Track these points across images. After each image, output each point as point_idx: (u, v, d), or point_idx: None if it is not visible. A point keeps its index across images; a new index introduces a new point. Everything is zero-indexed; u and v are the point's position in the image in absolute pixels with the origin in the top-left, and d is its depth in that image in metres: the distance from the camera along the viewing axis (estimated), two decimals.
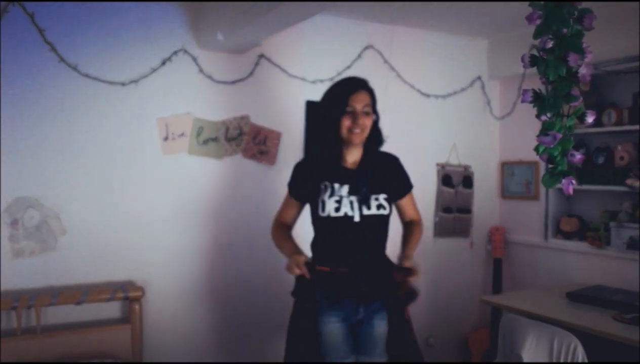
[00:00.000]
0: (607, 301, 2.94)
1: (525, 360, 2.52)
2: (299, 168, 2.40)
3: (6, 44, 2.66)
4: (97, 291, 2.76)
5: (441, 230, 3.91)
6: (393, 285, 2.26)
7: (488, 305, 3.56)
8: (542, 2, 1.33)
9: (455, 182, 3.95)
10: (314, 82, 3.37)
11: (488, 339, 3.86)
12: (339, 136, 2.23)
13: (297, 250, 2.31)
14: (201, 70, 3.07)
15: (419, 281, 2.26)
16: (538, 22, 1.34)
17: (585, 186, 3.50)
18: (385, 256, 2.38)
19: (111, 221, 2.89)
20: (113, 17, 2.87)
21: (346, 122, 2.20)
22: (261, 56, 3.22)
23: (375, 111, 2.32)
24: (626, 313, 2.74)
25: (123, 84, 2.89)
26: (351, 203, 2.23)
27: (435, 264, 3.91)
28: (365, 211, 2.23)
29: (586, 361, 2.34)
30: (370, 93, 2.29)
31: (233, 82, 3.16)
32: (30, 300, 2.61)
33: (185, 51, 3.02)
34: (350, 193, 2.24)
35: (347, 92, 2.23)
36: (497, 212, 4.20)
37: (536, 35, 1.35)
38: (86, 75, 2.80)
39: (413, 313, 3.83)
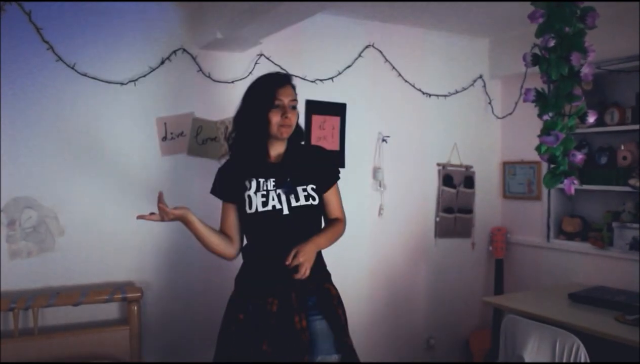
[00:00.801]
0: (610, 302, 2.92)
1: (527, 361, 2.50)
2: (222, 171, 2.32)
3: (6, 44, 2.64)
4: (96, 292, 2.74)
5: (442, 231, 3.89)
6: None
7: (490, 306, 3.55)
8: (544, 2, 1.32)
9: (456, 182, 3.93)
10: (314, 81, 3.35)
11: (489, 340, 3.84)
12: (267, 131, 2.18)
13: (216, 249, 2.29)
14: (200, 70, 3.05)
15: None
16: (540, 20, 1.32)
17: (587, 187, 3.48)
18: (322, 262, 2.28)
19: (110, 221, 2.88)
20: (112, 16, 2.86)
21: (275, 117, 2.15)
22: (261, 55, 3.21)
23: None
24: (629, 314, 2.73)
25: (122, 84, 2.87)
26: (279, 196, 2.17)
27: (436, 264, 3.90)
28: (294, 203, 2.17)
29: (588, 362, 2.32)
30: (294, 88, 2.25)
31: (232, 81, 3.14)
32: (28, 301, 2.60)
33: (184, 50, 3.01)
34: (277, 186, 2.19)
35: (275, 86, 2.18)
36: (499, 212, 4.18)
37: (538, 34, 1.33)
38: (84, 75, 2.79)
39: (414, 313, 3.85)
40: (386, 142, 3.62)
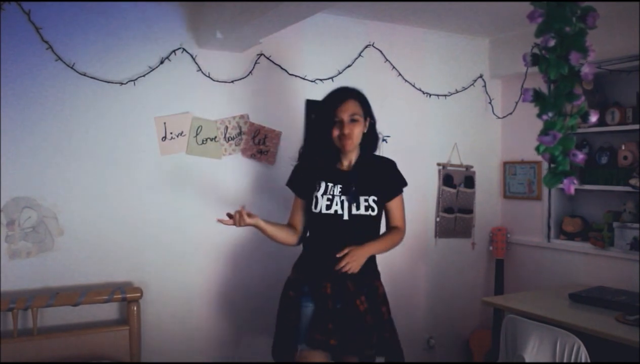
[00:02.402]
0: (610, 303, 2.92)
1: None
2: (297, 168, 2.60)
3: (6, 44, 2.64)
4: (95, 292, 2.74)
5: (442, 231, 3.88)
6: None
7: (490, 306, 3.54)
8: (543, 1, 1.31)
9: (456, 181, 3.93)
10: (314, 81, 3.35)
11: (490, 340, 3.84)
12: (333, 143, 2.43)
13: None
14: (200, 69, 3.05)
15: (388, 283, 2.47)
16: (540, 20, 1.31)
17: (588, 186, 3.47)
18: (374, 262, 2.54)
19: (109, 221, 2.87)
20: (111, 15, 2.85)
21: (335, 132, 2.40)
22: (261, 55, 3.20)
23: (371, 116, 2.50)
24: (629, 314, 2.72)
25: (121, 83, 2.87)
26: (342, 202, 2.41)
27: (436, 265, 3.89)
28: (354, 211, 2.41)
29: (589, 362, 2.32)
30: (360, 100, 2.46)
31: (232, 81, 3.13)
32: (27, 301, 2.60)
33: (184, 50, 3.00)
34: (342, 193, 2.43)
35: (334, 104, 2.41)
36: (499, 212, 4.17)
37: (538, 33, 1.32)
38: (84, 75, 2.78)
39: (414, 313, 3.84)
40: (386, 142, 3.62)
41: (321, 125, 2.45)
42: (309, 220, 2.55)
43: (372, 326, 2.38)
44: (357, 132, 2.41)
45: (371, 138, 2.54)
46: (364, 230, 2.44)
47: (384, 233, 2.56)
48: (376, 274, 2.55)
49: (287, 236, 2.55)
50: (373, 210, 2.43)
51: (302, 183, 2.54)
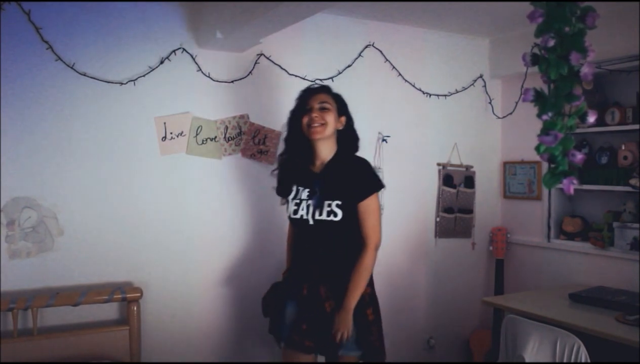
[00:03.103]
0: (610, 303, 2.92)
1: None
2: (279, 174, 2.60)
3: (6, 44, 2.64)
4: (95, 292, 2.74)
5: (442, 231, 3.88)
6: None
7: (490, 306, 3.54)
8: (543, 1, 1.31)
9: (456, 181, 3.93)
10: (314, 81, 3.34)
11: (490, 340, 3.84)
12: (303, 134, 2.40)
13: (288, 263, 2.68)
14: (200, 69, 3.05)
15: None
16: (540, 20, 1.31)
17: (588, 186, 3.47)
18: (344, 267, 2.38)
19: (109, 221, 2.87)
20: (111, 15, 2.85)
21: (304, 119, 2.38)
22: (261, 55, 3.20)
23: (347, 115, 2.46)
24: (629, 314, 2.72)
25: (121, 83, 2.87)
26: (308, 207, 2.37)
27: (436, 265, 3.89)
28: (317, 216, 2.34)
29: (589, 362, 2.32)
30: (333, 95, 2.45)
31: (232, 81, 3.13)
32: (27, 301, 2.59)
33: (184, 50, 3.00)
34: (309, 197, 2.39)
35: (306, 95, 2.44)
36: (499, 212, 4.17)
37: (538, 33, 1.32)
38: (84, 75, 2.78)
39: (414, 313, 3.84)
40: (386, 142, 3.62)
41: (294, 117, 2.45)
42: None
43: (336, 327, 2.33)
44: (327, 118, 2.36)
45: (349, 137, 2.47)
46: (329, 237, 2.37)
47: (354, 270, 2.35)
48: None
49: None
50: (335, 215, 2.31)
51: (284, 188, 2.54)
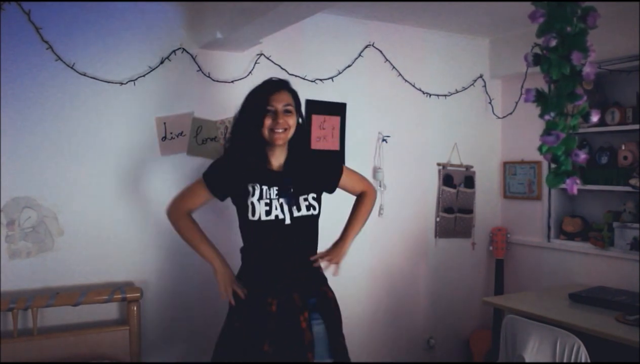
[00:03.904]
0: (610, 303, 2.92)
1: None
2: (221, 165, 2.31)
3: (6, 44, 2.64)
4: (95, 292, 2.73)
5: (442, 231, 3.88)
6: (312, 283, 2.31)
7: (490, 306, 3.54)
8: (544, 1, 1.31)
9: (456, 182, 3.92)
10: (314, 81, 3.35)
11: (490, 340, 3.84)
12: (262, 137, 2.20)
13: (221, 260, 2.36)
14: (200, 69, 3.04)
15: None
16: (541, 20, 1.31)
17: (588, 186, 3.47)
18: (319, 267, 2.35)
19: (109, 221, 2.87)
20: (111, 15, 2.84)
21: (267, 122, 2.17)
22: (261, 55, 3.20)
23: (300, 114, 2.30)
24: (629, 314, 2.72)
25: (121, 83, 2.86)
26: (281, 205, 2.20)
27: (436, 265, 3.89)
28: (296, 213, 2.21)
29: (589, 362, 2.32)
30: (292, 93, 2.28)
31: (232, 81, 3.13)
32: (27, 301, 2.59)
33: (184, 50, 3.00)
34: (280, 195, 2.21)
35: (268, 92, 2.22)
36: (499, 212, 4.17)
37: (539, 33, 1.32)
38: (84, 74, 2.78)
39: (414, 313, 3.84)
40: (386, 142, 3.62)
41: (251, 115, 2.20)
42: (245, 228, 2.29)
43: (310, 344, 2.15)
44: (290, 123, 2.20)
45: (301, 137, 2.34)
46: (306, 233, 2.28)
47: (354, 208, 2.50)
48: (323, 279, 2.35)
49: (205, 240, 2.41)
50: (315, 208, 2.25)
51: (225, 183, 2.27)
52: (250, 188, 2.20)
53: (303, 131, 2.36)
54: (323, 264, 2.34)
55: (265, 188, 2.20)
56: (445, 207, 3.89)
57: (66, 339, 2.68)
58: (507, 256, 4.02)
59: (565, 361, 2.37)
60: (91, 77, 2.80)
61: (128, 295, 2.77)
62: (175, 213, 2.42)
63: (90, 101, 2.81)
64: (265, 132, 2.18)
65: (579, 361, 2.33)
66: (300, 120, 2.30)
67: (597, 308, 2.93)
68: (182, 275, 3.06)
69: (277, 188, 2.21)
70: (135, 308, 2.80)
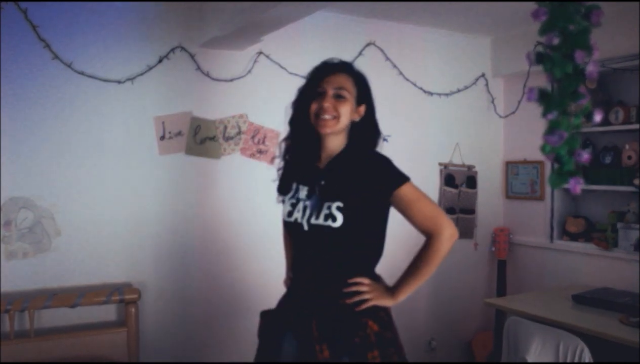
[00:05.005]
0: (614, 304, 2.89)
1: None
2: (281, 164, 2.03)
3: (5, 44, 2.63)
4: (93, 293, 2.71)
5: None
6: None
7: (492, 308, 3.51)
8: (546, 0, 1.28)
9: (458, 182, 3.90)
10: None
11: (492, 342, 3.81)
12: (310, 123, 1.85)
13: (288, 271, 2.05)
14: (199, 68, 3.02)
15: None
16: (543, 18, 1.28)
17: (592, 187, 3.45)
18: (338, 291, 1.81)
19: (107, 221, 2.85)
20: (109, 14, 2.83)
21: (313, 106, 1.83)
22: (260, 53, 3.17)
23: (369, 103, 1.95)
24: (633, 316, 2.69)
25: (119, 82, 2.85)
26: (304, 208, 1.85)
27: (438, 265, 3.86)
28: (312, 220, 1.81)
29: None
30: (355, 77, 1.91)
31: (231, 80, 3.11)
32: (24, 302, 2.57)
33: (183, 48, 2.98)
34: (308, 196, 1.86)
35: (319, 76, 1.88)
36: (502, 213, 4.14)
37: (542, 32, 1.29)
38: (81, 73, 2.76)
39: (415, 314, 3.81)
40: (387, 142, 3.58)
41: (300, 100, 1.90)
42: None
43: None
44: (342, 110, 1.82)
45: (367, 131, 1.94)
46: (324, 246, 1.83)
47: (420, 253, 1.96)
48: (369, 307, 1.82)
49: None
50: (334, 219, 1.77)
51: (283, 183, 2.00)
52: (294, 185, 1.92)
53: (370, 124, 1.96)
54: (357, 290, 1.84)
55: (300, 186, 1.90)
56: (447, 207, 3.86)
57: (64, 341, 2.66)
58: (510, 257, 3.99)
59: (568, 363, 2.35)
60: (89, 76, 2.78)
61: (126, 297, 2.75)
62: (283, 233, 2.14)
63: (89, 100, 2.80)
64: (313, 119, 1.84)
65: (582, 363, 2.30)
66: (365, 110, 1.93)
67: (600, 309, 2.90)
68: (180, 276, 3.04)
69: (308, 188, 1.88)
70: (133, 310, 2.78)
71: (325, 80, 1.86)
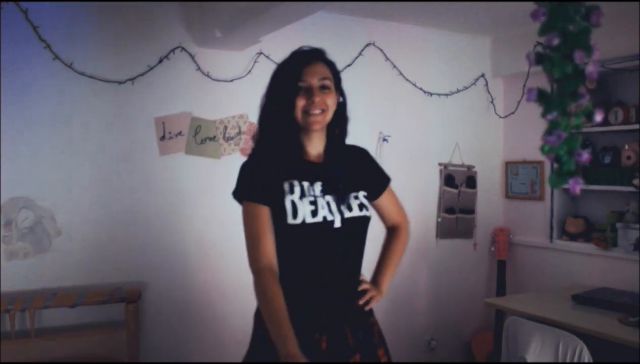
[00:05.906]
0: (613, 304, 2.89)
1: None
2: (248, 168, 1.79)
3: (6, 44, 2.63)
4: (94, 293, 2.72)
5: (444, 231, 3.86)
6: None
7: (492, 308, 3.52)
8: (546, 0, 1.29)
9: (458, 182, 3.90)
10: None
11: (491, 342, 3.81)
12: (295, 122, 1.72)
13: (294, 345, 1.51)
14: (199, 68, 3.03)
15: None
16: (543, 19, 1.29)
17: (591, 187, 3.45)
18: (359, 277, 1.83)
19: (107, 221, 2.86)
20: (110, 14, 2.83)
21: (300, 102, 1.69)
22: (260, 54, 3.18)
23: (341, 93, 1.83)
24: (632, 315, 2.69)
25: (119, 83, 2.85)
26: (328, 204, 1.71)
27: (438, 266, 3.87)
28: (347, 214, 1.71)
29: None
30: (330, 66, 1.81)
31: (232, 80, 3.11)
32: (24, 302, 2.58)
33: (183, 49, 2.98)
34: (325, 192, 1.72)
35: (299, 65, 1.75)
36: (501, 213, 4.14)
37: (541, 32, 1.29)
38: (82, 74, 2.77)
39: (415, 314, 3.82)
40: (387, 142, 3.59)
41: (280, 95, 1.73)
42: (282, 237, 1.72)
43: None
44: (329, 102, 1.72)
45: (341, 120, 1.83)
46: (359, 238, 1.79)
47: (388, 244, 2.01)
48: (371, 308, 1.84)
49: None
50: (367, 209, 1.76)
51: (263, 185, 1.72)
52: (287, 186, 1.71)
53: (343, 112, 1.86)
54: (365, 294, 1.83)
55: (306, 184, 1.72)
56: (447, 208, 3.86)
57: (64, 341, 2.66)
58: (509, 257, 3.99)
59: (568, 363, 2.35)
60: (89, 76, 2.79)
61: (126, 296, 2.75)
62: (258, 277, 1.71)
63: (89, 100, 2.80)
64: (299, 115, 1.70)
65: (582, 363, 2.31)
66: (341, 98, 1.83)
67: (600, 309, 2.90)
68: (180, 276, 3.04)
69: (321, 183, 1.73)
70: (133, 310, 2.78)
71: (305, 70, 1.73)
